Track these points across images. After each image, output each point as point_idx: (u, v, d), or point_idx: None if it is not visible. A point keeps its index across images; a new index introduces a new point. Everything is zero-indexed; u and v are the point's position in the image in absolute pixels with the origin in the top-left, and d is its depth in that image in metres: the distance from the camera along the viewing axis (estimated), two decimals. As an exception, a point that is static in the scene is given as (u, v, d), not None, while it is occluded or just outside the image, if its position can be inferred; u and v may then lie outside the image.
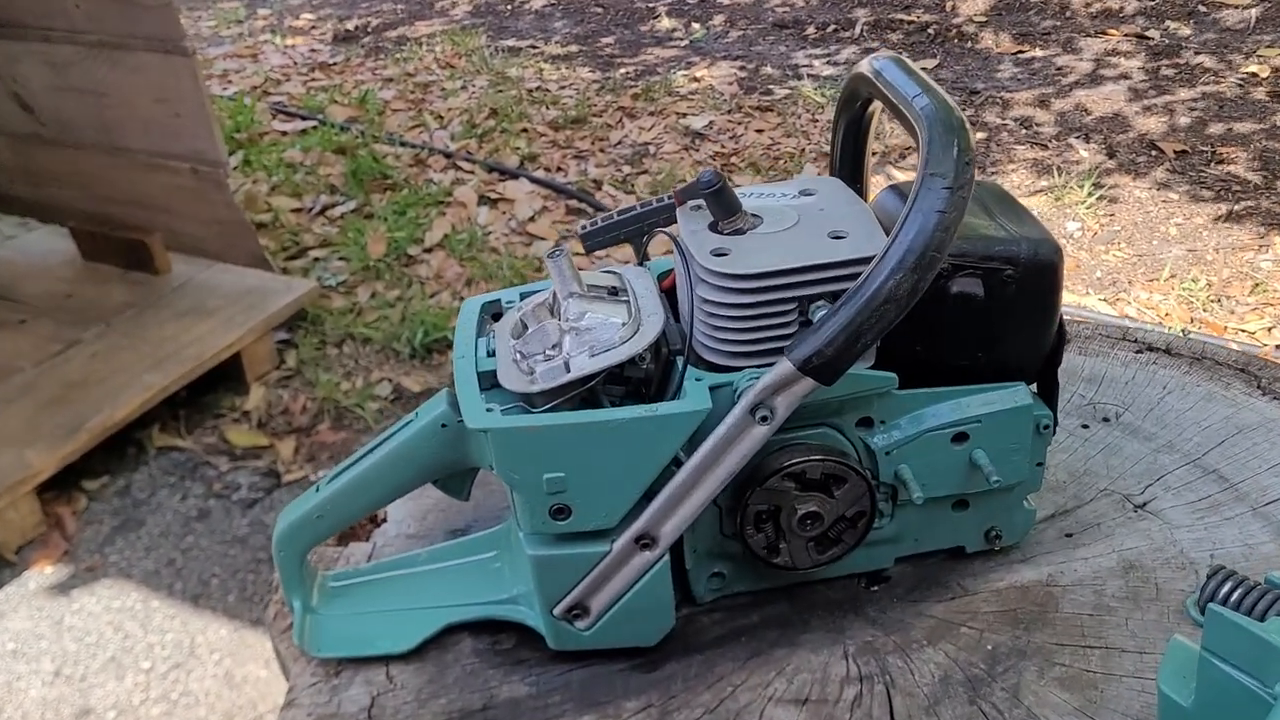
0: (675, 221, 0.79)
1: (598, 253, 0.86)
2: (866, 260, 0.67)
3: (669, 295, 0.80)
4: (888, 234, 0.66)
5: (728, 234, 0.74)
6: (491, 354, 0.76)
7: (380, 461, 0.77)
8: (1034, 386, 0.80)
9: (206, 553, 2.19)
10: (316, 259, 3.10)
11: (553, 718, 0.74)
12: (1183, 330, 2.52)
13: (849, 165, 0.85)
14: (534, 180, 3.48)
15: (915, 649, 0.77)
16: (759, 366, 0.71)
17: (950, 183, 0.63)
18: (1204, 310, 2.66)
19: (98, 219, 2.82)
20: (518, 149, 3.70)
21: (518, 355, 0.73)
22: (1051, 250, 0.73)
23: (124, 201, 2.77)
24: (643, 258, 0.83)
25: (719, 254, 0.72)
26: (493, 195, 3.42)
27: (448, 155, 3.66)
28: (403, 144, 3.73)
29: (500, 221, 3.27)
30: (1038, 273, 0.73)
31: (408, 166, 3.62)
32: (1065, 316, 0.79)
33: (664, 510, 0.72)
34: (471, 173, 3.56)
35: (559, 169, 3.60)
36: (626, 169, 3.58)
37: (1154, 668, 0.74)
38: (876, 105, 0.80)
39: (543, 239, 3.16)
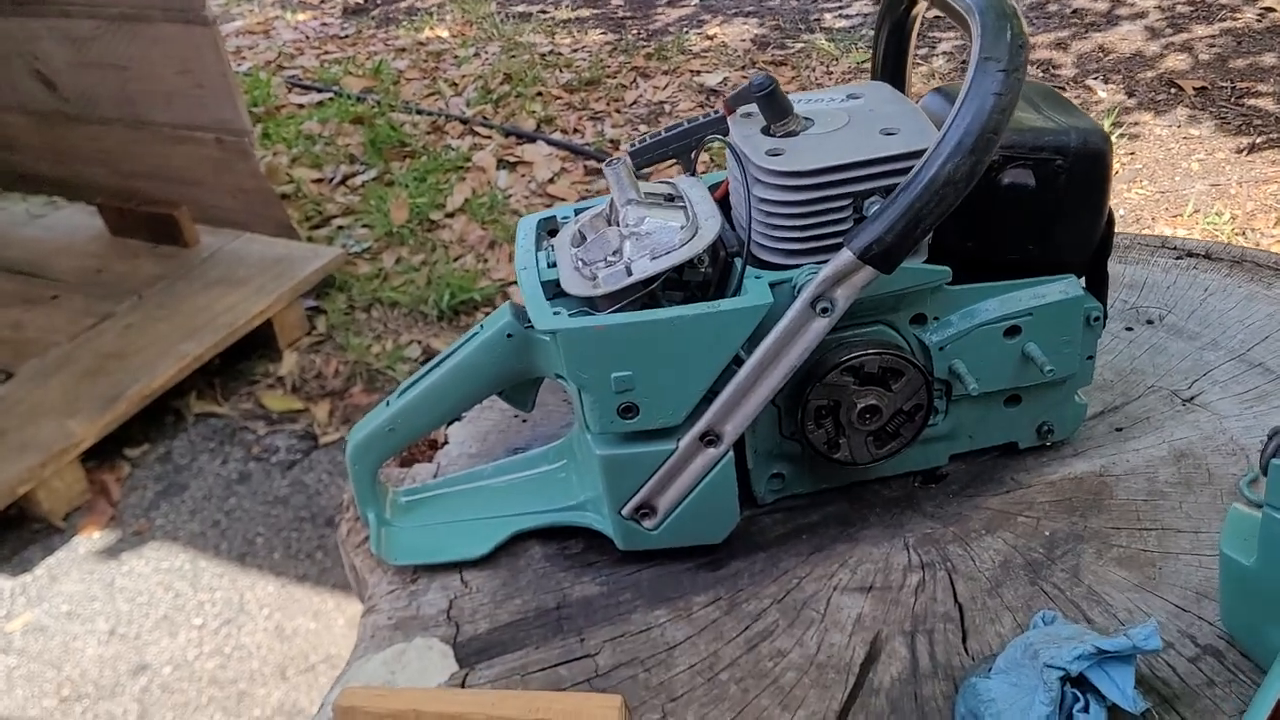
0: (725, 133, 0.81)
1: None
2: (919, 154, 0.68)
3: (721, 205, 0.82)
4: (939, 128, 0.67)
5: (780, 136, 0.76)
6: (552, 265, 0.78)
7: (448, 374, 0.79)
8: (1083, 280, 0.81)
9: (250, 513, 2.23)
10: (340, 227, 3.12)
11: (625, 613, 0.77)
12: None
13: (890, 70, 0.86)
14: (551, 143, 3.49)
15: (974, 538, 0.79)
16: (817, 263, 0.72)
17: (1005, 65, 0.64)
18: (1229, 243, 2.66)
19: (124, 194, 2.84)
20: (534, 112, 3.71)
21: (579, 263, 0.75)
22: (1100, 139, 0.75)
23: (150, 175, 2.79)
24: (692, 171, 0.85)
25: (774, 154, 0.73)
26: (511, 159, 3.43)
27: (464, 121, 3.67)
28: (419, 112, 3.74)
29: (520, 184, 3.29)
30: (1088, 161, 0.74)
31: (425, 134, 3.63)
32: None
33: (727, 407, 0.74)
34: (489, 138, 3.57)
35: (576, 130, 3.60)
36: (643, 128, 3.59)
37: (1210, 545, 0.76)
38: (920, 7, 0.82)
39: (563, 199, 3.17)
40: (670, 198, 0.77)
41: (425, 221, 3.12)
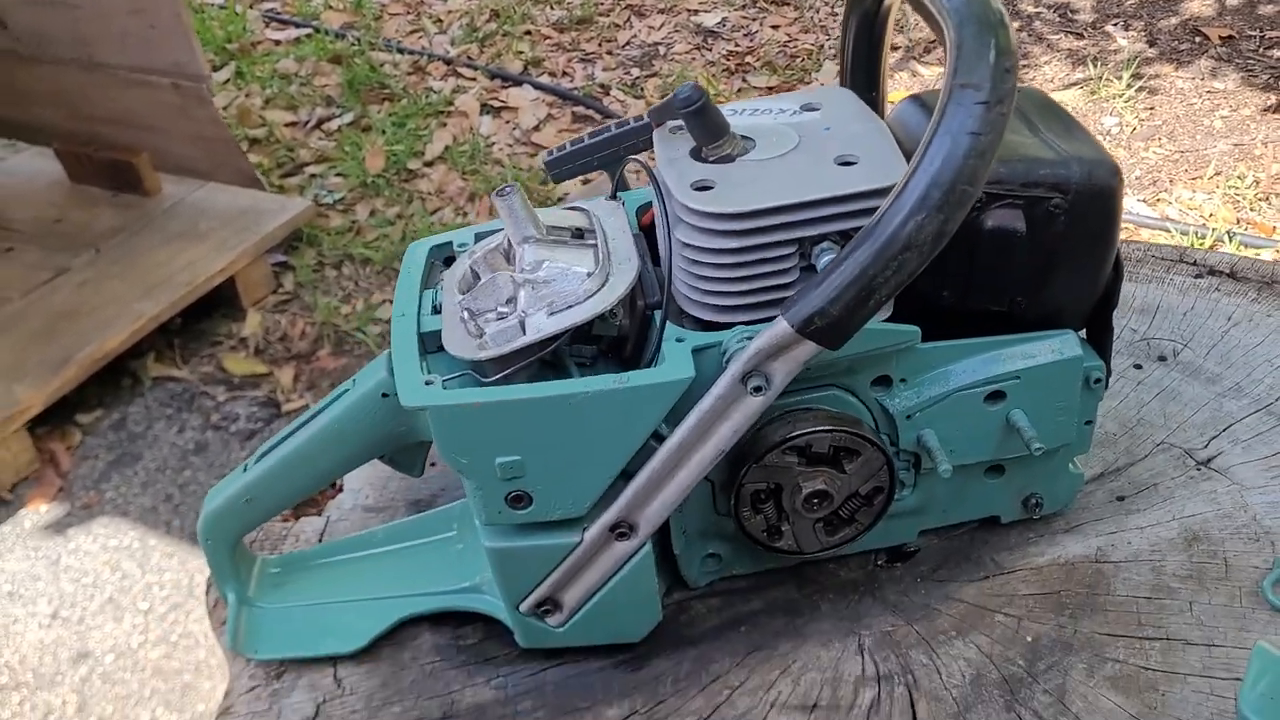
0: (650, 147, 0.66)
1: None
2: (881, 192, 0.54)
3: (649, 234, 0.68)
4: (908, 158, 0.53)
5: (713, 162, 0.61)
6: (437, 311, 0.65)
7: (315, 437, 0.66)
8: (1083, 333, 0.67)
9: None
10: (313, 175, 2.98)
11: (521, 729, 0.64)
12: (1228, 233, 2.36)
13: (862, 71, 0.71)
14: (538, 86, 3.32)
15: (942, 641, 0.67)
16: (752, 323, 0.59)
17: (985, 96, 0.49)
18: (1251, 210, 2.50)
19: (81, 138, 2.70)
20: (521, 53, 3.53)
21: (465, 313, 0.61)
22: (1108, 173, 0.60)
23: (107, 120, 2.64)
24: (617, 188, 0.71)
25: (701, 188, 0.59)
26: (495, 104, 3.26)
27: (448, 62, 3.49)
28: (401, 50, 3.56)
29: (504, 131, 3.13)
30: (1092, 201, 0.60)
31: (406, 75, 3.45)
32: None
33: (642, 495, 0.61)
34: (473, 80, 3.40)
35: (564, 74, 3.42)
36: (635, 71, 3.41)
37: (1224, 663, 0.63)
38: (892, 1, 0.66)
39: (548, 148, 3.01)
40: (579, 232, 0.63)
41: (402, 171, 2.97)
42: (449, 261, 0.70)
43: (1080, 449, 0.70)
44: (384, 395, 0.64)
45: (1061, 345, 0.65)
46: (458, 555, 0.72)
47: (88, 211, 2.67)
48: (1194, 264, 0.95)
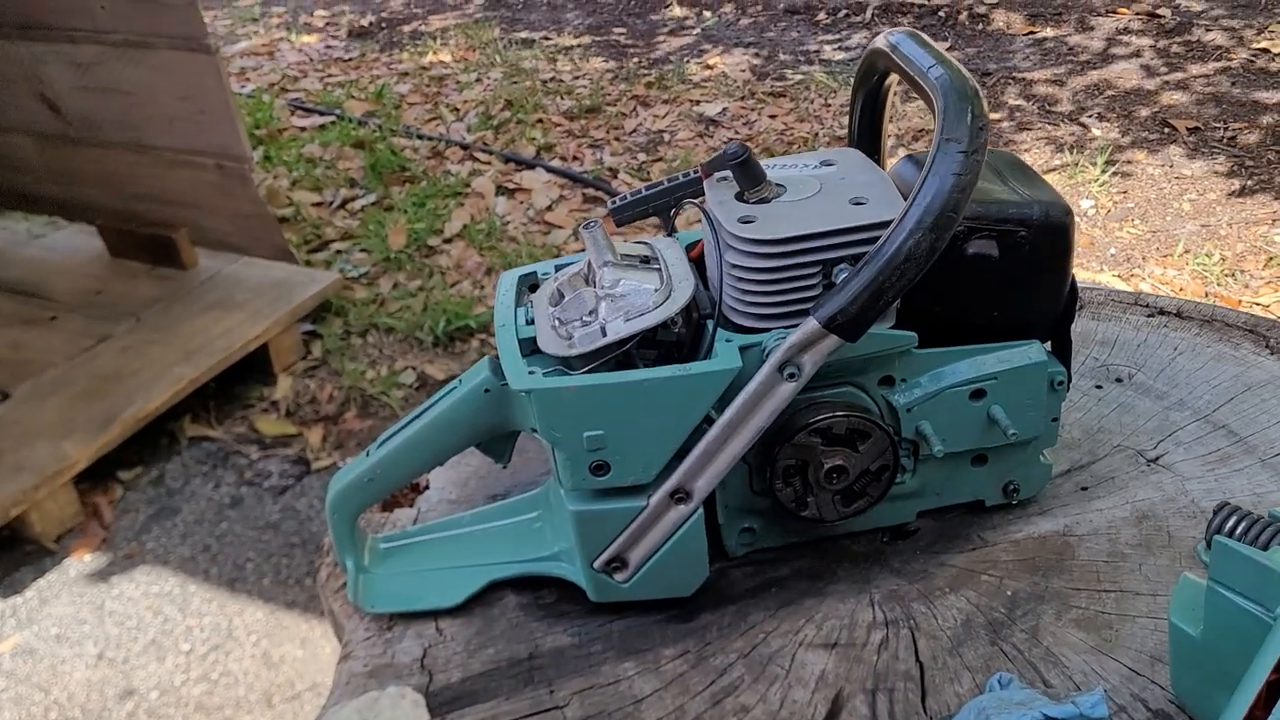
0: (701, 194, 0.83)
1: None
2: (886, 224, 0.70)
3: (697, 264, 0.84)
4: (906, 199, 0.69)
5: (753, 203, 0.78)
6: (530, 322, 0.81)
7: (427, 426, 0.81)
8: (1048, 345, 0.83)
9: (240, 538, 2.24)
10: (339, 251, 3.15)
11: (595, 665, 0.78)
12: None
13: (866, 138, 0.88)
14: (550, 170, 3.52)
15: (938, 596, 0.81)
16: (785, 328, 0.75)
17: (965, 147, 0.66)
18: (1218, 285, 2.69)
19: (125, 216, 2.87)
20: (534, 139, 3.74)
21: (556, 322, 0.77)
22: (1062, 212, 0.77)
23: (150, 198, 2.82)
24: (670, 230, 0.87)
25: (746, 221, 0.75)
26: (510, 185, 3.46)
27: (464, 147, 3.70)
28: (420, 136, 3.77)
29: (518, 211, 3.32)
30: (1049, 234, 0.77)
31: (425, 159, 3.66)
32: (1079, 290, 0.82)
33: (697, 465, 0.76)
34: (488, 164, 3.60)
35: (575, 158, 3.63)
36: (642, 156, 3.62)
37: (1165, 607, 0.77)
38: (893, 79, 0.84)
39: (560, 227, 3.20)
40: (646, 259, 0.80)
41: (423, 247, 3.15)
42: (533, 288, 0.87)
43: (1049, 442, 0.86)
44: (486, 390, 0.80)
45: (1031, 352, 0.81)
46: (537, 532, 0.87)
47: (127, 283, 2.82)
48: (1147, 306, 1.12)
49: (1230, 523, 0.66)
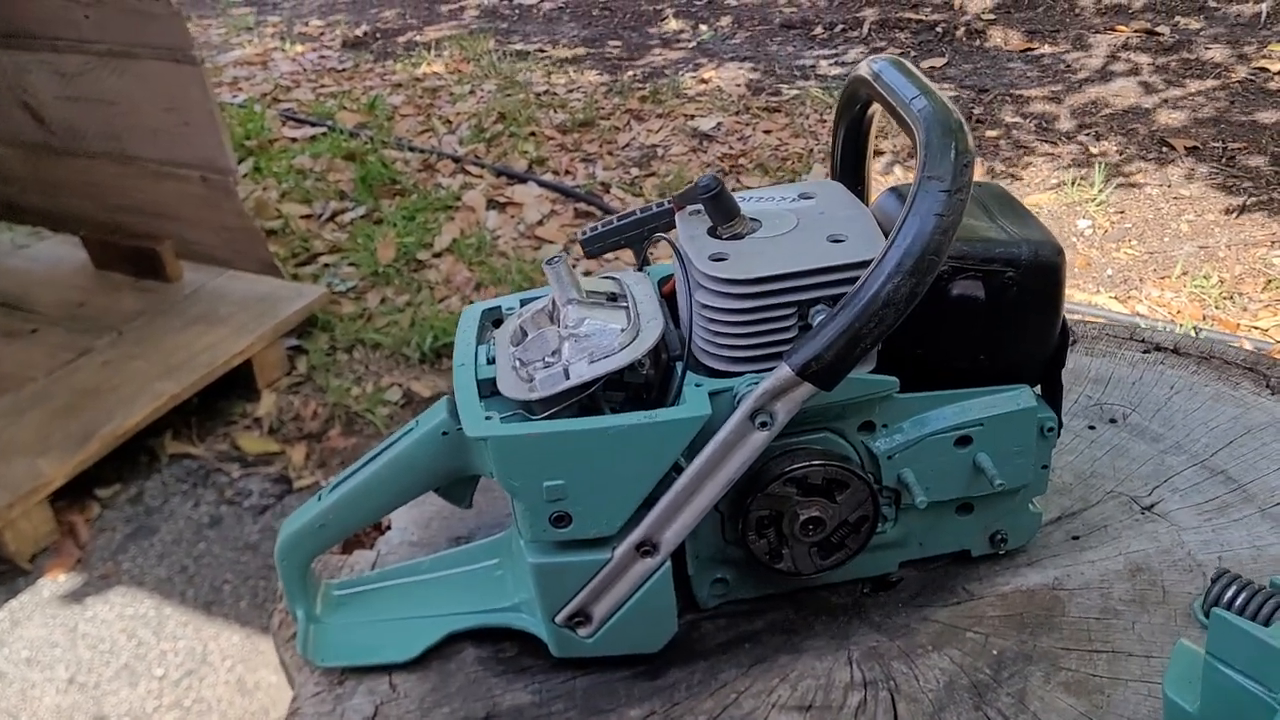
0: (673, 226, 0.79)
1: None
2: (865, 263, 0.66)
3: (669, 300, 0.80)
4: (887, 236, 0.65)
5: (726, 239, 0.74)
6: (491, 361, 0.76)
7: (382, 470, 0.77)
8: (1038, 389, 0.79)
9: (219, 560, 2.20)
10: (326, 265, 3.11)
11: (556, 726, 0.74)
12: (1194, 328, 2.50)
13: (850, 168, 0.84)
14: (542, 184, 3.48)
15: (920, 654, 0.77)
16: (759, 371, 0.70)
17: (948, 185, 0.62)
18: (1216, 307, 2.65)
19: (109, 227, 2.83)
20: (526, 153, 3.70)
21: (517, 362, 0.73)
22: (1052, 251, 0.73)
23: (134, 210, 2.78)
24: (643, 263, 0.83)
25: (717, 259, 0.71)
26: (501, 199, 3.42)
27: (456, 160, 3.66)
28: (411, 149, 3.74)
29: (509, 225, 3.28)
30: (1039, 274, 0.72)
31: (416, 172, 3.62)
32: (1075, 315, 0.78)
33: (664, 517, 0.72)
34: (480, 177, 3.57)
35: (567, 172, 3.60)
36: (635, 171, 3.58)
37: (1160, 671, 0.73)
38: (877, 107, 0.80)
39: (551, 242, 3.16)
40: (613, 296, 0.75)
41: (412, 261, 3.11)
42: (497, 323, 0.82)
43: (1038, 490, 0.82)
44: (444, 434, 0.75)
45: (1019, 398, 0.76)
46: (498, 580, 0.82)
47: (110, 296, 2.78)
48: (1142, 341, 1.08)
49: (1229, 593, 0.61)
